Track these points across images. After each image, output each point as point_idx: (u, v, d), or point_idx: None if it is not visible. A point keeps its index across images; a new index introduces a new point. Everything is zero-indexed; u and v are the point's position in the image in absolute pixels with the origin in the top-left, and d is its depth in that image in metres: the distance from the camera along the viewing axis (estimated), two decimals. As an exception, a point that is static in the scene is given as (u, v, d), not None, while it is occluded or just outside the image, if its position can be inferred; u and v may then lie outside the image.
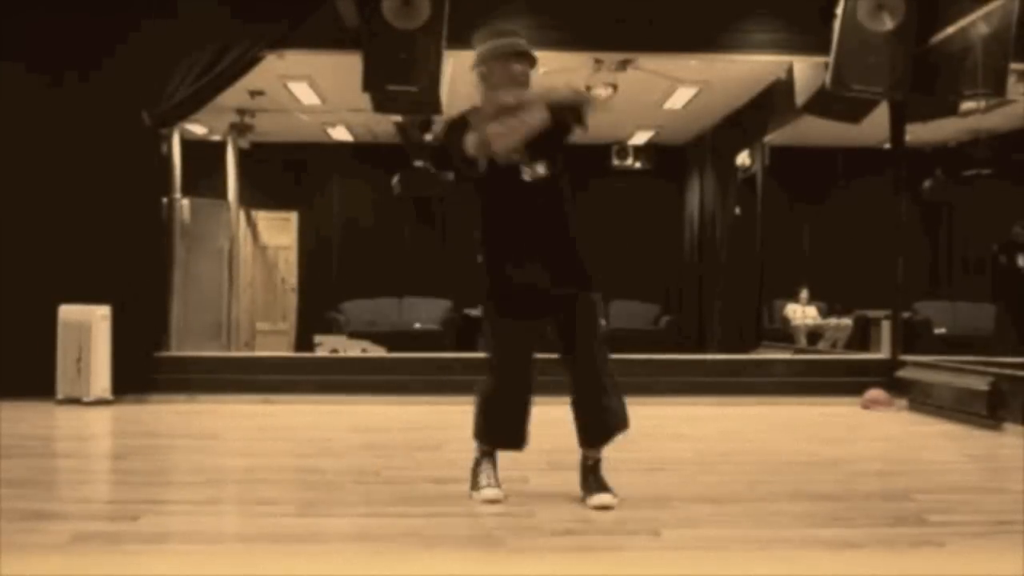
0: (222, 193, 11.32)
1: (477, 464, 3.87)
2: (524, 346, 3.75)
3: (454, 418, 6.71)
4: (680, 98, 10.09)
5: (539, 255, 3.67)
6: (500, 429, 3.84)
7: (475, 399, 3.87)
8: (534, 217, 3.67)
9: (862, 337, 9.82)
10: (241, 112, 10.74)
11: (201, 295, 10.38)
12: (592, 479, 3.76)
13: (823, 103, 7.95)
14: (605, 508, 3.63)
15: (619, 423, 3.78)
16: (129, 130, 7.37)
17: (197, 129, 11.00)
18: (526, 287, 3.67)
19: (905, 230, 8.28)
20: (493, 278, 3.74)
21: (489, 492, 3.75)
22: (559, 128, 3.62)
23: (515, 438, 3.82)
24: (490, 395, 3.81)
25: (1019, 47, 6.79)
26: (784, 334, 11.00)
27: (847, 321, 10.57)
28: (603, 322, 3.98)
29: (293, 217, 12.99)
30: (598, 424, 3.76)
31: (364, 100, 7.80)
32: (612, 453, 4.96)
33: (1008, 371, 6.39)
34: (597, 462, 3.80)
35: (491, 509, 3.65)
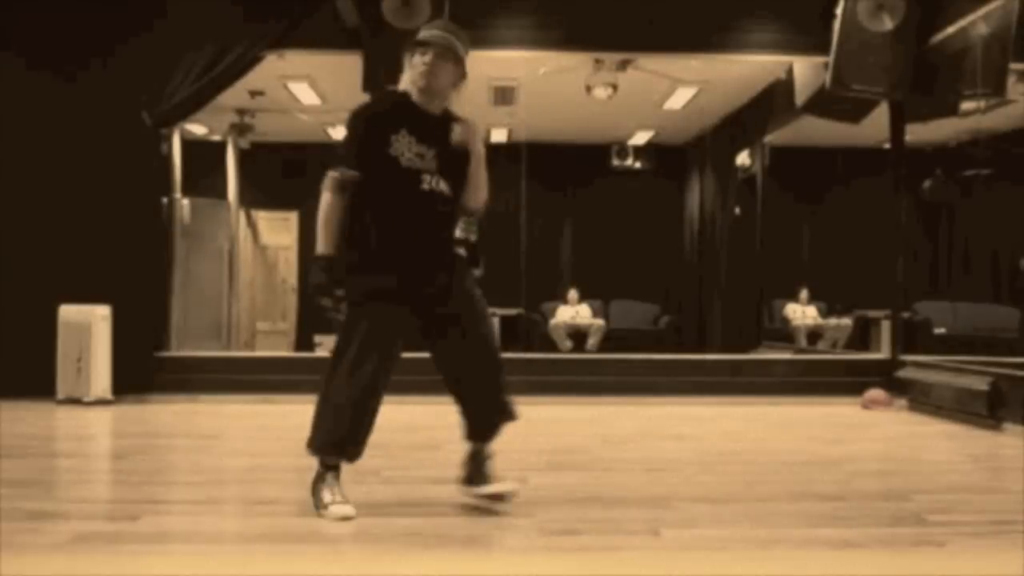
0: (222, 193, 11.32)
1: (320, 479, 3.55)
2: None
3: (454, 418, 6.72)
4: (680, 98, 10.09)
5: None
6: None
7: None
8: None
9: (862, 337, 9.82)
10: (241, 112, 10.75)
11: (201, 295, 10.38)
12: (487, 469, 3.69)
13: (823, 103, 7.96)
14: (508, 495, 3.60)
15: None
16: (129, 130, 7.37)
17: (197, 129, 11.00)
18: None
19: (905, 230, 8.28)
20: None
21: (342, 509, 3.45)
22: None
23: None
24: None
25: (1019, 47, 6.79)
26: (784, 334, 10.99)
27: (847, 321, 10.57)
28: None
29: (293, 217, 12.98)
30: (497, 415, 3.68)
31: (364, 100, 7.79)
32: (612, 453, 4.97)
33: (1008, 371, 6.40)
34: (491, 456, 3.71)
35: (490, 509, 3.64)
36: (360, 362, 3.45)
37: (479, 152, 3.57)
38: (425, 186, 3.46)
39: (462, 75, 3.55)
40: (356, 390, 3.45)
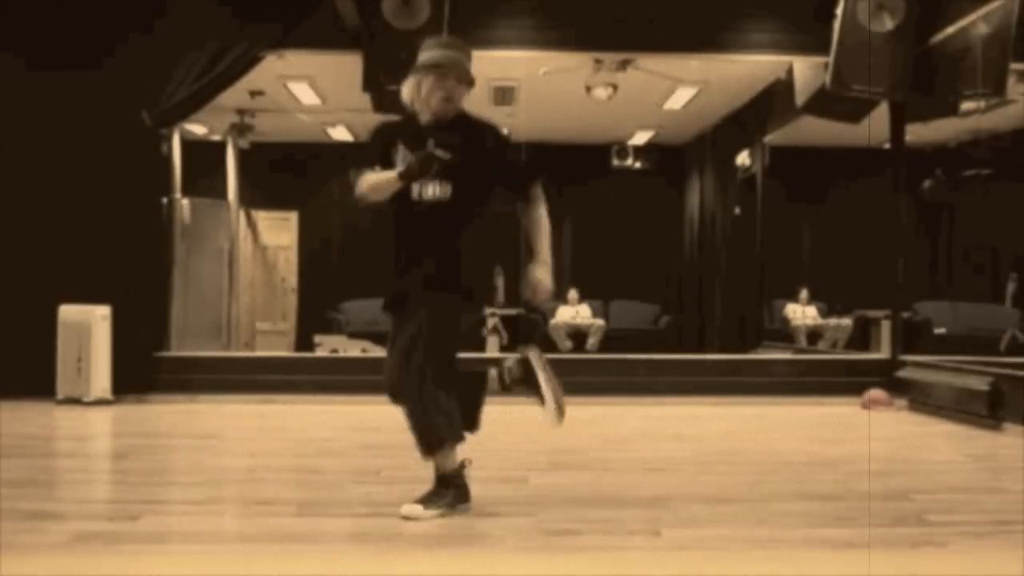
0: (222, 193, 11.31)
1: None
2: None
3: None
4: (680, 98, 10.09)
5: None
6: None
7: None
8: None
9: (862, 337, 9.82)
10: (241, 112, 10.75)
11: (201, 295, 10.38)
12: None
13: (823, 103, 7.96)
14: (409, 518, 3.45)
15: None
16: (129, 130, 7.37)
17: (197, 129, 11.01)
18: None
19: (905, 230, 8.28)
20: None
21: None
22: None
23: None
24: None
25: (1019, 47, 6.79)
26: (784, 334, 10.99)
27: (847, 321, 10.57)
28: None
29: (293, 217, 13.00)
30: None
31: (364, 100, 7.79)
32: (612, 453, 4.98)
33: (1008, 371, 6.40)
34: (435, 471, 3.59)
35: (490, 509, 3.64)
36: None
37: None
38: (415, 195, 3.54)
39: (471, 85, 3.54)
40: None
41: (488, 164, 3.55)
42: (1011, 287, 9.76)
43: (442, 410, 3.52)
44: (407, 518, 3.44)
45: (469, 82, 3.51)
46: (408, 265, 3.64)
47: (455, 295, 3.55)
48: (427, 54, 3.51)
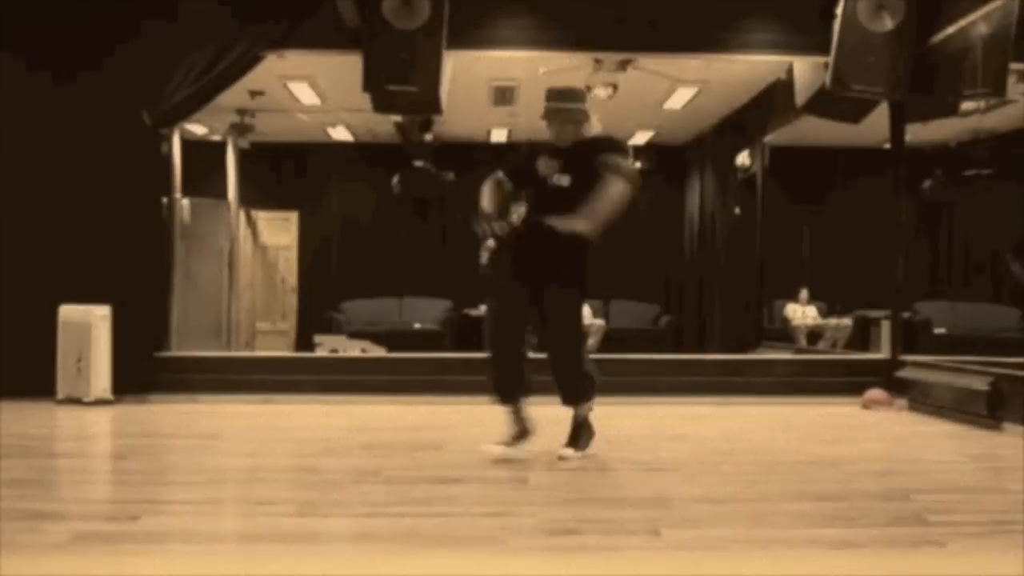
0: (222, 193, 11.32)
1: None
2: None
3: (454, 418, 6.73)
4: (680, 98, 10.09)
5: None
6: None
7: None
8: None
9: (862, 337, 9.81)
10: (241, 112, 10.74)
11: (201, 295, 10.38)
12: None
13: (823, 103, 7.95)
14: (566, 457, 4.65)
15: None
16: (129, 130, 7.37)
17: (197, 129, 11.00)
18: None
19: (905, 230, 8.28)
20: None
21: None
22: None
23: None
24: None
25: (1019, 47, 6.79)
26: (784, 334, 10.99)
27: (847, 321, 10.56)
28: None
29: (293, 217, 13.00)
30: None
31: (364, 100, 7.80)
32: (612, 453, 4.97)
33: (1008, 371, 6.39)
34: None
35: (491, 509, 3.64)
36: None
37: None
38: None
39: (584, 118, 4.71)
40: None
41: (595, 165, 4.59)
42: (1016, 267, 9.61)
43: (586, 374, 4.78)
44: (563, 458, 4.61)
45: (573, 120, 4.70)
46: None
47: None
48: (546, 107, 4.77)
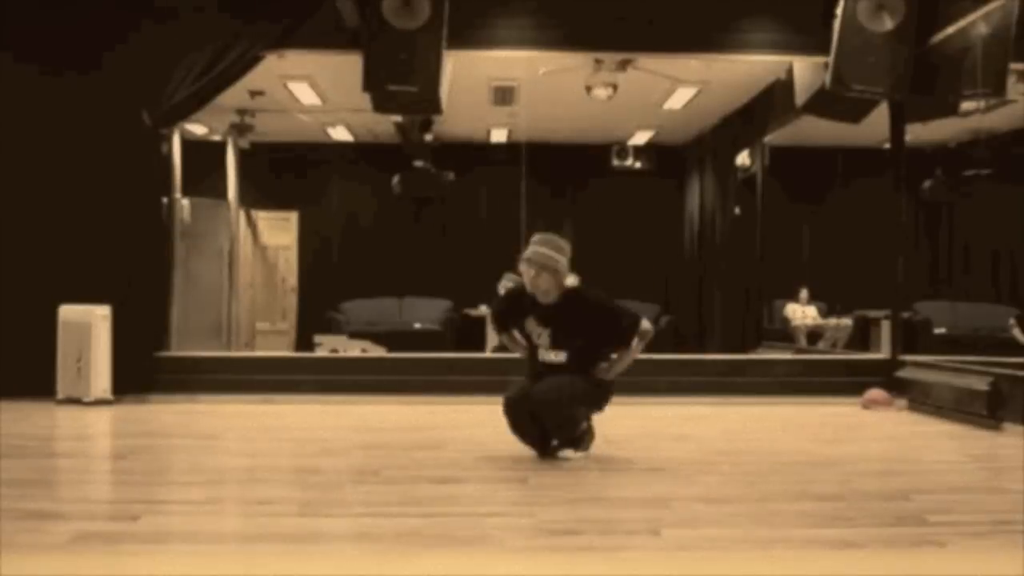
0: (222, 193, 11.31)
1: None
2: None
3: (454, 418, 6.74)
4: (680, 98, 10.08)
5: None
6: None
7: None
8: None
9: (862, 337, 9.81)
10: (241, 112, 10.74)
11: (201, 295, 10.38)
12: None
13: (823, 103, 7.95)
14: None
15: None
16: (129, 130, 7.37)
17: (197, 129, 11.00)
18: None
19: (905, 230, 8.28)
20: None
21: None
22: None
23: None
24: None
25: (1019, 47, 6.79)
26: (784, 334, 10.98)
27: (847, 321, 10.56)
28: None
29: (293, 217, 12.98)
30: None
31: (364, 100, 7.80)
32: (612, 453, 4.98)
33: (1008, 371, 6.39)
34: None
35: (491, 509, 3.64)
36: None
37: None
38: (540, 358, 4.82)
39: (565, 271, 4.77)
40: None
41: (592, 327, 4.81)
42: (1018, 332, 9.61)
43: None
44: (567, 458, 4.70)
45: (554, 271, 4.70)
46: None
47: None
48: (529, 249, 4.74)
